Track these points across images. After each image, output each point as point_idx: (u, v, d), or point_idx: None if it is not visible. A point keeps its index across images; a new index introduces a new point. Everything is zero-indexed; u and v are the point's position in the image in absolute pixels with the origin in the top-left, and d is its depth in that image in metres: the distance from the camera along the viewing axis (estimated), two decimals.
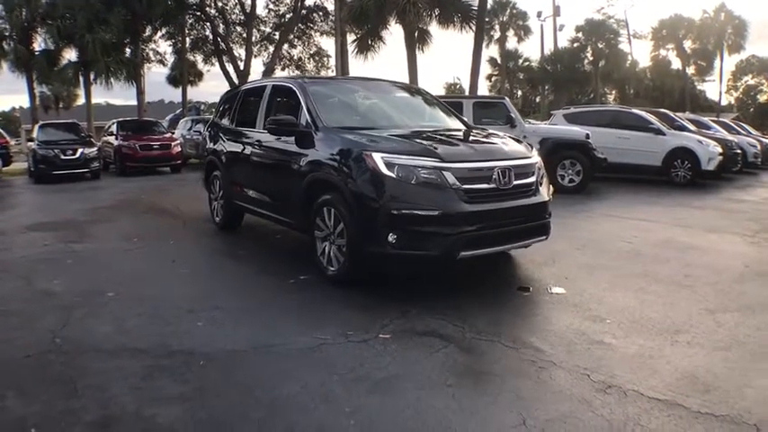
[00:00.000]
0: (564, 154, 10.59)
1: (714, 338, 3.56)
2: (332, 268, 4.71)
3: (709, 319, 3.91)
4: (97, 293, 4.68)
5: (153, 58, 27.52)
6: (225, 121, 7.28)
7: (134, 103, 24.57)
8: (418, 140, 4.51)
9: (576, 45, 40.00)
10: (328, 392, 2.89)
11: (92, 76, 20.27)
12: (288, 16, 26.90)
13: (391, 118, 5.53)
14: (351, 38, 23.06)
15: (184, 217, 8.61)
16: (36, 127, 16.15)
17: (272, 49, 27.04)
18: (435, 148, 4.32)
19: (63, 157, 14.42)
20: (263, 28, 28.04)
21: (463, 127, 5.75)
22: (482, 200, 4.26)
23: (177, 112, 28.68)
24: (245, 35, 26.31)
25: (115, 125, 17.65)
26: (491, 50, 41.99)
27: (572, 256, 5.70)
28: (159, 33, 25.80)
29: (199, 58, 28.78)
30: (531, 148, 5.05)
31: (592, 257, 5.65)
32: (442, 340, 3.49)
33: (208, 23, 25.61)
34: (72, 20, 18.47)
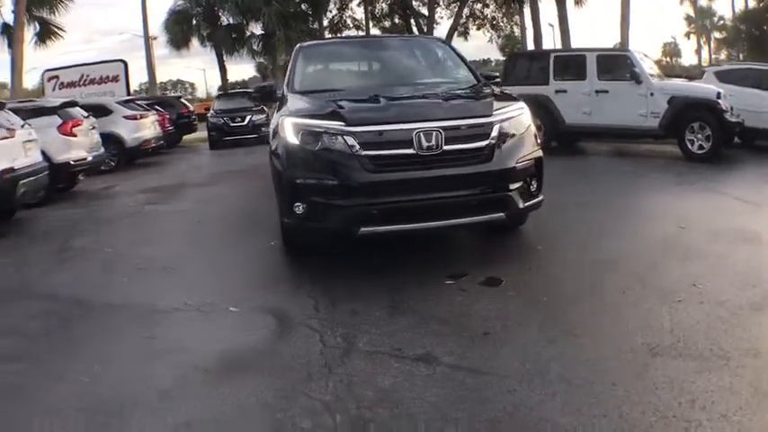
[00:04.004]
0: (692, 115, 9.11)
1: (599, 394, 2.39)
2: None
3: (639, 361, 2.67)
4: (99, 250, 5.53)
5: (350, 25, 29.56)
6: None
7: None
8: (334, 102, 4.21)
9: (761, 5, 33.85)
10: (111, 349, 3.18)
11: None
12: None
13: (369, 79, 5.26)
14: None
15: None
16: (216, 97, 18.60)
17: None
18: (343, 110, 4.03)
19: (232, 124, 16.48)
20: None
21: (472, 82, 5.14)
22: (394, 168, 3.89)
23: None
24: None
25: None
26: (684, 7, 41.27)
27: (587, 239, 4.86)
28: (356, 1, 27.58)
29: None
30: (493, 105, 4.19)
31: (611, 242, 4.71)
32: (275, 320, 3.42)
33: None
34: None
